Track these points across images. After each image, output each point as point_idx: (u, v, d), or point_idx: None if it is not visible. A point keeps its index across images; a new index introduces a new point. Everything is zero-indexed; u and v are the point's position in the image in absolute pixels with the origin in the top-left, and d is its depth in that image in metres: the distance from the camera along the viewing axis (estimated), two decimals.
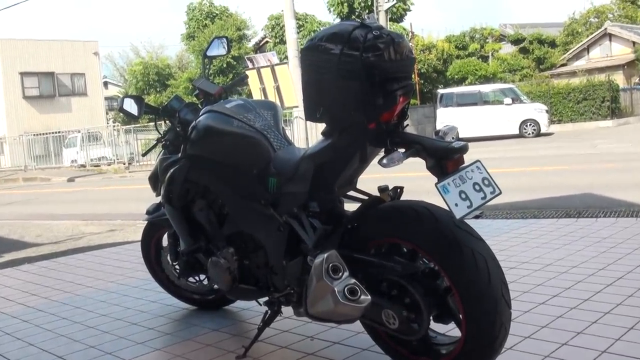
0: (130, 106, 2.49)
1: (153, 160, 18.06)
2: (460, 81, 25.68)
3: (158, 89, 33.19)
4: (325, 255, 1.89)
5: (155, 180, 2.74)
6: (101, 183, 15.69)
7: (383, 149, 1.89)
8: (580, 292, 2.78)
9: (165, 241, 3.03)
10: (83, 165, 21.82)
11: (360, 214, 2.01)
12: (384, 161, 1.81)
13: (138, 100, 2.52)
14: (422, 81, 25.13)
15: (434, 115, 21.35)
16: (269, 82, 13.26)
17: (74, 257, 4.87)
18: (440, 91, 21.07)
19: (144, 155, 2.70)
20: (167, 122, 2.66)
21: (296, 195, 2.10)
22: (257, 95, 13.15)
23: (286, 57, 19.32)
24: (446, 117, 19.16)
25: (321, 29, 2.32)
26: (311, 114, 1.95)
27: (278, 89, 13.17)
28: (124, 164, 20.59)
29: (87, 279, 3.99)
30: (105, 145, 22.51)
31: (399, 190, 2.04)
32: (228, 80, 25.79)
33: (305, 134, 15.19)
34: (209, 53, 2.78)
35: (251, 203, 2.24)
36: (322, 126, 2.03)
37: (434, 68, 25.76)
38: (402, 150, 1.84)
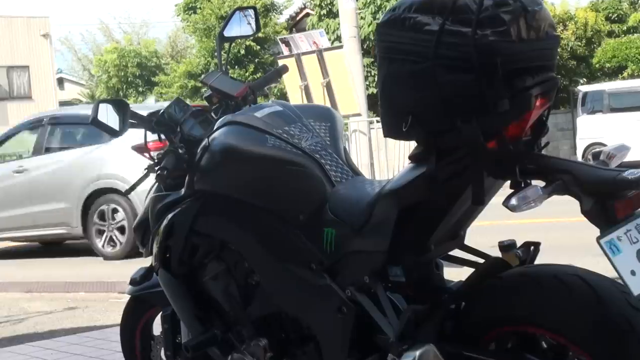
0: (108, 116, 2.52)
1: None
2: (615, 72, 25.40)
3: (141, 89, 33.72)
4: (418, 353, 1.89)
5: (144, 231, 2.77)
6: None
7: (509, 182, 1.90)
8: None
9: (157, 327, 3.04)
10: None
11: (471, 287, 2.02)
12: (513, 201, 1.81)
13: (120, 106, 2.55)
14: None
15: (572, 126, 21.09)
16: (315, 77, 13.27)
17: (9, 350, 4.90)
18: (583, 88, 20.84)
19: (127, 193, 2.72)
20: (163, 139, 2.70)
21: (368, 257, 2.11)
22: (295, 98, 13.20)
23: (338, 39, 19.46)
24: (592, 129, 18.94)
25: None
26: (393, 127, 1.98)
27: (329, 86, 13.19)
28: None
29: None
30: None
31: (532, 248, 2.04)
32: (248, 74, 26.09)
33: (370, 158, 15.16)
34: (228, 33, 2.85)
35: (296, 268, 2.26)
36: (405, 146, 2.05)
37: (572, 52, 25.56)
38: (541, 183, 1.83)
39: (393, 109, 1.97)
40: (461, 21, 1.80)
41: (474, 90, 1.80)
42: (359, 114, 14.21)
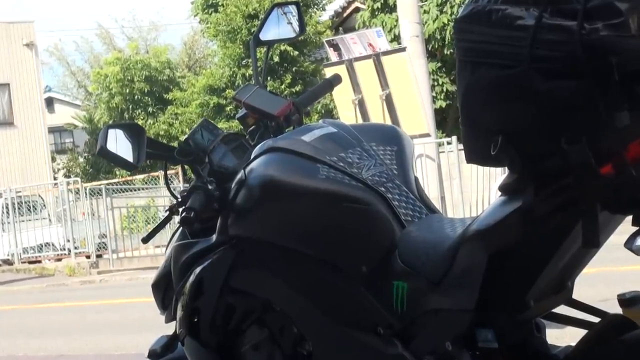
0: (118, 145, 2.48)
1: (152, 250, 18.30)
2: None
3: (151, 109, 33.59)
4: None
5: (165, 289, 2.72)
6: (43, 296, 15.87)
7: (630, 217, 1.82)
8: None
9: None
10: (8, 262, 22.15)
11: (585, 353, 1.97)
12: (638, 242, 1.75)
13: (133, 132, 2.50)
14: None
15: None
16: (372, 88, 13.19)
17: None
18: None
19: (145, 240, 2.77)
20: (189, 173, 2.70)
21: (450, 317, 2.08)
22: (346, 115, 13.17)
23: (396, 39, 19.25)
24: None
25: None
26: (478, 150, 1.92)
27: (389, 100, 13.09)
28: (88, 257, 20.43)
29: None
30: (52, 222, 22.73)
31: None
32: (285, 86, 25.78)
33: (440, 190, 14.97)
34: (264, 36, 2.85)
35: (358, 333, 2.23)
36: (486, 174, 1.93)
37: None
38: None
39: (478, 128, 1.88)
40: (563, 12, 1.71)
41: (582, 101, 1.71)
42: (427, 134, 13.96)
